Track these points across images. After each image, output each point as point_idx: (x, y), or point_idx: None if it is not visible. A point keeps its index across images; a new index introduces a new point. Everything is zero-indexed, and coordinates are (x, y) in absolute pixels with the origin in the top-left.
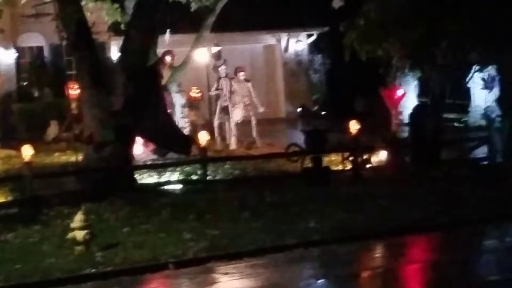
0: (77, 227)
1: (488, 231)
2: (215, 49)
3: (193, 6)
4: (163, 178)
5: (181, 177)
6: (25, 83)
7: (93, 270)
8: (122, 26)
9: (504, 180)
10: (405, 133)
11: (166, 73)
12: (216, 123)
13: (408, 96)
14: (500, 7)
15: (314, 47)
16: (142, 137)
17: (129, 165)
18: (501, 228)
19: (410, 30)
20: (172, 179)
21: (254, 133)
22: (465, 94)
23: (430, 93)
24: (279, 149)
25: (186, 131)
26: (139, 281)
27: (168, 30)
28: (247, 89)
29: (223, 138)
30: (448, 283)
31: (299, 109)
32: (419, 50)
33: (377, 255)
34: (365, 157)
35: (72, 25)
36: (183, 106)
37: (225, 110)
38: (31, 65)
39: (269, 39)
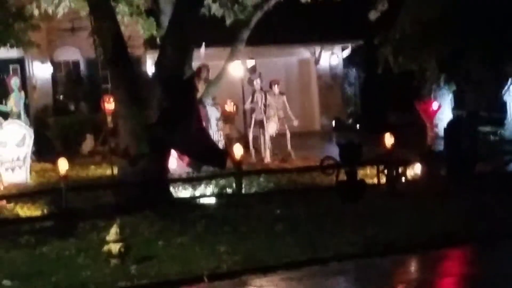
0: (112, 240)
1: None
2: (250, 63)
3: (228, 20)
4: (198, 192)
5: (215, 191)
6: (61, 97)
7: (128, 283)
8: (158, 40)
9: None
10: (440, 146)
11: (201, 87)
12: (250, 136)
13: (443, 110)
14: None
15: (348, 61)
16: (177, 150)
17: (164, 179)
18: None
19: (445, 43)
20: (206, 193)
21: (289, 146)
22: (501, 107)
23: (465, 107)
24: (313, 162)
25: (221, 145)
26: None
27: (203, 44)
28: (281, 102)
29: (258, 152)
30: None
31: (333, 122)
32: (453, 64)
33: (412, 268)
34: (400, 170)
35: (108, 40)
36: (218, 120)
37: (260, 123)
38: (67, 79)
39: (303, 52)
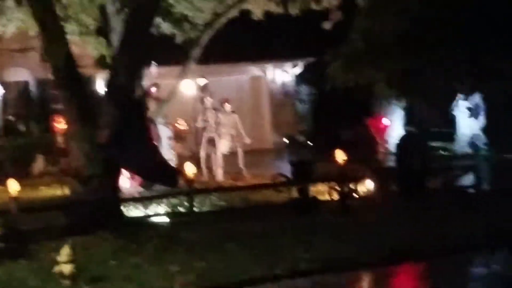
0: (64, 260)
1: (475, 259)
2: (201, 81)
3: (178, 39)
4: (150, 211)
5: (167, 210)
6: (11, 118)
7: None
8: (108, 60)
9: (490, 208)
10: (391, 162)
11: (152, 106)
12: (202, 154)
13: (394, 125)
14: (484, 36)
15: (300, 78)
16: (129, 169)
17: (116, 198)
18: (488, 256)
19: (395, 59)
20: (159, 212)
21: (241, 164)
22: (451, 123)
23: (416, 122)
24: (266, 180)
25: (172, 163)
26: None
27: (154, 63)
28: (233, 121)
29: (210, 170)
30: None
31: (285, 140)
32: (404, 79)
33: (364, 285)
34: (351, 186)
35: (58, 60)
36: (170, 138)
37: (212, 142)
38: (17, 99)
39: (255, 70)
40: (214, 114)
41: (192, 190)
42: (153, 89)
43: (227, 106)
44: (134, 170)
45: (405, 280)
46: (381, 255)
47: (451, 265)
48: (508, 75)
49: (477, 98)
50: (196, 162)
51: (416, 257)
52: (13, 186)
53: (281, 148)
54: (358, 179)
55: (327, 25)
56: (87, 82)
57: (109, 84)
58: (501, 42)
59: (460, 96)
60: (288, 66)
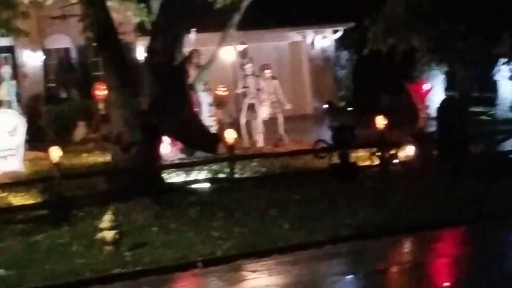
0: (106, 227)
1: None
2: (241, 47)
3: (218, 5)
4: (191, 177)
5: (208, 176)
6: (52, 85)
7: (122, 270)
8: (149, 26)
9: None
10: (432, 127)
11: (192, 72)
12: (243, 121)
13: (435, 90)
14: None
15: (340, 43)
16: (170, 136)
17: (157, 165)
18: None
19: (435, 24)
20: (199, 178)
21: (281, 130)
22: (493, 87)
23: (457, 87)
24: (306, 145)
25: (213, 130)
26: (168, 280)
27: (193, 29)
28: (273, 87)
29: (250, 136)
30: (476, 277)
31: (325, 106)
32: (444, 44)
33: (405, 250)
34: (392, 152)
35: (98, 26)
36: (210, 105)
37: (252, 108)
38: (59, 66)
39: (294, 36)
40: (254, 80)
41: (232, 156)
42: (194, 56)
43: (267, 72)
44: (175, 137)
45: (446, 245)
46: (421, 220)
47: (490, 231)
48: None
49: None
50: (237, 128)
51: (455, 222)
52: (55, 153)
53: (321, 114)
54: (398, 145)
55: None
56: (128, 49)
57: (149, 51)
58: None
59: (501, 60)
60: (328, 31)
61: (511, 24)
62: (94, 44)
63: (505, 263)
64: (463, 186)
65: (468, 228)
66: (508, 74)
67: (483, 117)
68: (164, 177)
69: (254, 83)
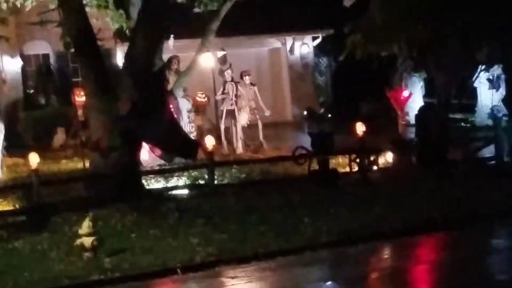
0: (85, 233)
1: (495, 230)
2: (220, 54)
3: (197, 11)
4: (170, 183)
5: (188, 182)
6: (31, 91)
7: (101, 276)
8: (127, 32)
9: (511, 178)
10: (411, 134)
11: (171, 79)
12: (222, 127)
13: (414, 97)
14: (506, 6)
15: (319, 50)
16: (149, 142)
17: (136, 171)
18: (509, 226)
19: (415, 30)
20: (179, 184)
21: (261, 137)
22: (472, 94)
23: (436, 94)
24: (286, 152)
25: (192, 136)
26: (147, 287)
27: (172, 36)
28: (253, 93)
29: (230, 142)
30: (455, 283)
31: (305, 112)
32: (424, 51)
33: (385, 256)
34: (371, 158)
35: (76, 32)
36: (189, 111)
37: (231, 114)
38: (37, 72)
39: (274, 42)
40: (234, 86)
41: (212, 162)
42: (173, 62)
43: (247, 78)
44: (154, 142)
45: (425, 250)
46: (401, 226)
47: (470, 235)
48: None
49: (498, 70)
50: (216, 134)
51: (435, 227)
52: (33, 159)
53: (300, 121)
54: (378, 151)
55: (347, 2)
56: (107, 55)
57: (128, 57)
58: None
59: (480, 67)
60: (307, 38)
61: (490, 31)
62: (73, 50)
63: (486, 267)
64: (441, 192)
65: (448, 232)
66: (487, 81)
67: (462, 124)
68: (143, 183)
69: (233, 89)
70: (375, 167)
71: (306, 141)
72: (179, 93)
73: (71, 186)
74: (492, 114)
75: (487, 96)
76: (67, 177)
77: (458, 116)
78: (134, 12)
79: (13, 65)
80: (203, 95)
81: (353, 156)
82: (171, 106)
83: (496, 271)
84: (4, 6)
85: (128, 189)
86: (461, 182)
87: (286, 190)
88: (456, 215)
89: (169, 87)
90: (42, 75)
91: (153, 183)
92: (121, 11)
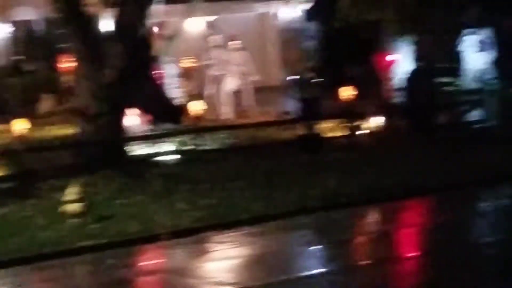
0: (71, 200)
1: (482, 194)
2: (207, 19)
3: None
4: (157, 149)
5: (174, 147)
6: (18, 57)
7: (88, 242)
8: None
9: (497, 142)
10: (399, 98)
11: (158, 44)
12: (206, 92)
13: (401, 62)
14: None
15: (308, 14)
16: (138, 108)
17: (122, 137)
18: (496, 190)
19: None
20: (165, 150)
21: (249, 102)
22: (458, 58)
23: (423, 58)
24: (273, 117)
25: (181, 101)
26: (134, 252)
27: (160, 0)
28: (242, 58)
29: (216, 108)
30: (442, 246)
31: (293, 77)
32: (411, 14)
33: (372, 220)
34: (359, 123)
35: None
36: (176, 77)
37: (218, 80)
38: (24, 39)
39: (262, 7)
40: (221, 51)
41: (199, 128)
42: (160, 28)
43: (236, 43)
44: (139, 108)
45: (411, 215)
46: (388, 191)
47: (457, 199)
48: None
49: (486, 32)
50: (206, 100)
51: (423, 192)
52: (18, 126)
53: (288, 85)
54: (365, 116)
55: None
56: (93, 20)
57: (115, 23)
58: None
59: (467, 30)
60: (295, 2)
61: None
62: (61, 16)
63: (472, 231)
64: (429, 156)
65: (435, 196)
66: (474, 44)
67: (449, 88)
68: (130, 149)
69: (219, 55)
70: (362, 131)
71: (294, 106)
72: (166, 58)
73: (58, 153)
74: (480, 78)
75: (474, 59)
76: (54, 144)
77: (445, 79)
78: None
79: None
80: (191, 61)
81: (341, 120)
82: (156, 71)
83: (477, 235)
84: None
85: (114, 155)
86: (446, 147)
87: (273, 155)
88: (440, 180)
89: (156, 52)
90: (29, 42)
91: (140, 149)
92: None
